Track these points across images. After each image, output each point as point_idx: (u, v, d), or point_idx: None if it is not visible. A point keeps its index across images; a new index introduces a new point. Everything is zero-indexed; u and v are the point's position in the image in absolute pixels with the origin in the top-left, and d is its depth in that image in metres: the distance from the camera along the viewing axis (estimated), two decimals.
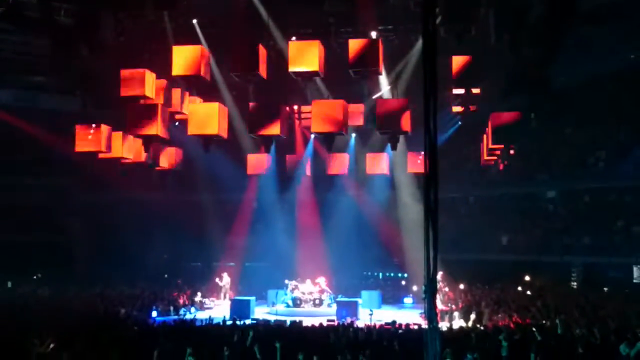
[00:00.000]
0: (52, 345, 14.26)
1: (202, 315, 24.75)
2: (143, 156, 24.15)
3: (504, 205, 35.57)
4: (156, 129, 20.67)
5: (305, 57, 18.95)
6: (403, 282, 33.72)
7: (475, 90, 20.06)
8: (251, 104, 21.06)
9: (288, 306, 27.10)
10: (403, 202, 32.17)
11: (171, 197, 34.26)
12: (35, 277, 32.88)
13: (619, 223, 30.60)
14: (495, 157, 24.71)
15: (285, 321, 22.03)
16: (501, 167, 25.46)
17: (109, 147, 22.50)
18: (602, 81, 29.19)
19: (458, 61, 19.52)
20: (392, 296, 31.37)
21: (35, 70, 28.04)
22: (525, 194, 35.09)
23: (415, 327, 18.89)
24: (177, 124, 24.73)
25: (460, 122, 26.29)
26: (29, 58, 27.11)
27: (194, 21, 21.98)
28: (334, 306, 26.48)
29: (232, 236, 34.30)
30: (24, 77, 28.50)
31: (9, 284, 29.86)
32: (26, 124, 30.14)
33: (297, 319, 22.39)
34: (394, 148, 21.87)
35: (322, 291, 27.55)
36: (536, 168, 34.22)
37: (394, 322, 20.30)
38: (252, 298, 26.94)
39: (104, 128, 22.14)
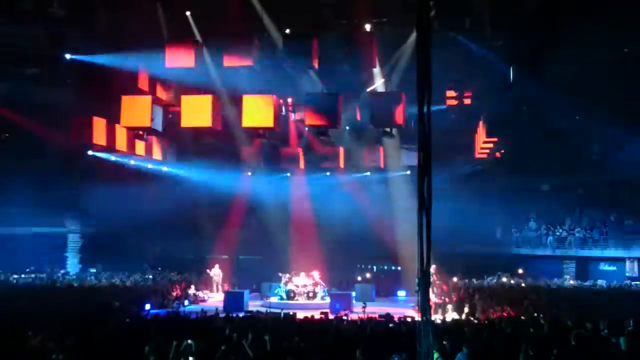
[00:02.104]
0: (38, 337, 14.24)
1: (195, 308, 24.78)
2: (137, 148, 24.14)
3: (498, 199, 35.60)
4: (149, 121, 20.64)
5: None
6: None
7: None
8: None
9: (282, 299, 27.12)
10: (396, 196, 32.17)
11: (164, 189, 34.17)
12: (28, 270, 32.78)
13: (612, 216, 30.71)
14: (489, 150, 24.73)
15: (279, 313, 22.04)
16: (498, 155, 25.40)
17: (102, 140, 22.48)
18: (596, 74, 29.16)
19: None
20: (386, 289, 31.40)
21: (28, 62, 27.86)
22: (518, 187, 35.12)
23: (409, 319, 18.90)
24: (170, 116, 24.66)
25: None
26: (21, 50, 26.94)
27: (188, 13, 21.91)
28: (328, 299, 26.53)
29: (226, 229, 34.27)
30: (17, 69, 28.29)
31: (2, 276, 29.76)
32: (18, 116, 29.93)
33: (291, 311, 22.41)
34: (388, 137, 21.90)
35: (315, 284, 27.59)
36: (530, 161, 34.24)
37: (387, 315, 20.34)
38: (246, 291, 26.96)
39: (98, 120, 22.10)
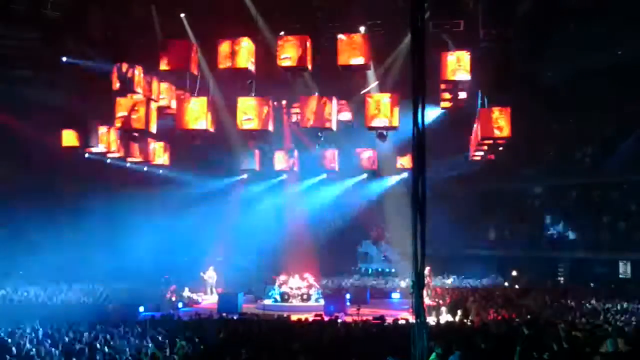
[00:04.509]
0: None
1: (189, 310, 24.76)
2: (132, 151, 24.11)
3: (492, 201, 35.67)
4: (144, 123, 20.60)
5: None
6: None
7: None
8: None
9: (276, 301, 27.08)
10: (390, 197, 32.20)
11: (158, 191, 34.13)
12: (21, 272, 32.67)
13: (605, 219, 30.78)
14: (483, 153, 24.73)
15: (272, 315, 22.03)
16: (492, 157, 25.32)
17: (97, 142, 22.48)
18: (588, 77, 29.26)
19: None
20: (380, 291, 31.36)
21: (22, 64, 27.78)
22: (512, 189, 35.20)
23: (403, 322, 18.91)
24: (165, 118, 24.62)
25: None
26: (15, 52, 26.86)
27: (182, 15, 21.89)
28: (322, 301, 26.51)
29: (220, 231, 34.21)
30: (10, 71, 28.20)
31: None
32: (10, 119, 29.83)
33: (285, 313, 22.39)
34: (382, 140, 21.91)
35: (309, 286, 27.54)
36: (523, 164, 34.33)
37: (381, 317, 20.34)
38: (240, 293, 26.93)
39: (91, 123, 22.09)
